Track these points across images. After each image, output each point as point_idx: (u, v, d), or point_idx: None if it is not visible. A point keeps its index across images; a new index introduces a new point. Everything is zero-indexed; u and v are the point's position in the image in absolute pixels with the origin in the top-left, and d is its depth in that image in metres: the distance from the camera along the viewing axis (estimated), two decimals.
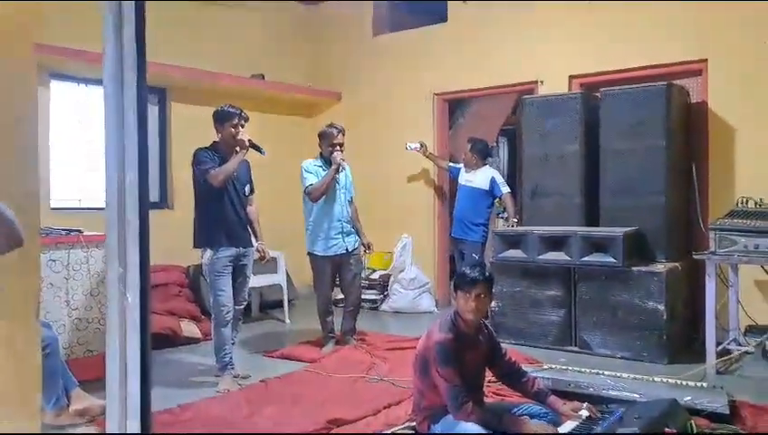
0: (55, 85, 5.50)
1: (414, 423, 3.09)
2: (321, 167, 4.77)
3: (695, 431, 2.83)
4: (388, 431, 3.10)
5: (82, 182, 5.67)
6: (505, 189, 5.75)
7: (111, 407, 1.28)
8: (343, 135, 4.77)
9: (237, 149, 4.05)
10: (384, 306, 6.60)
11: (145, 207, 1.25)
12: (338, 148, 4.70)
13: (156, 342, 4.87)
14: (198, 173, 4.00)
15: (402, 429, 3.13)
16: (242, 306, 4.29)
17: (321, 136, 4.82)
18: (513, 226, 5.54)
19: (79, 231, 4.33)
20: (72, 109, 5.68)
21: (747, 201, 4.35)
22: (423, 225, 6.76)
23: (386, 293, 6.67)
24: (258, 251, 4.36)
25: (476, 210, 5.77)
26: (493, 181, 5.73)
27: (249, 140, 4.06)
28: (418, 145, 6.43)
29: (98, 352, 4.07)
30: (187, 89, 6.23)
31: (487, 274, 2.93)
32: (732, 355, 4.31)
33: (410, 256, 6.56)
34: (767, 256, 3.98)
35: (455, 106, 7.41)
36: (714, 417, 3.11)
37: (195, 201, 4.14)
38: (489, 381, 3.39)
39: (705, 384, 3.51)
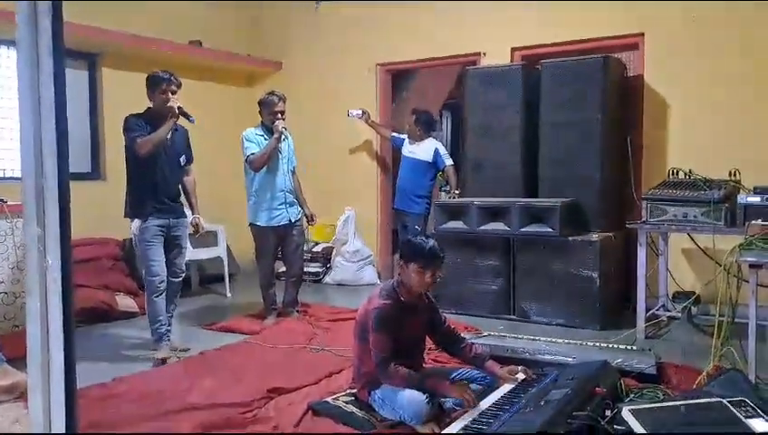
0: None
1: (354, 390, 3.10)
2: (262, 136, 4.67)
3: (623, 390, 2.96)
4: (329, 399, 3.10)
5: (6, 151, 5.36)
6: (449, 161, 5.78)
7: (33, 373, 1.22)
8: (284, 103, 4.68)
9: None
10: (327, 279, 6.58)
11: (63, 162, 1.18)
12: (279, 116, 4.61)
13: (91, 316, 4.76)
14: (128, 141, 3.87)
15: (343, 396, 3.13)
16: (179, 279, 4.18)
17: (262, 104, 4.72)
18: (455, 197, 5.59)
19: (2, 201, 4.11)
20: (10, 75, 5.31)
21: (678, 172, 4.52)
22: (366, 197, 6.73)
23: (328, 265, 6.65)
24: (193, 225, 4.25)
25: (420, 182, 5.79)
26: (436, 153, 5.76)
27: (179, 108, 3.93)
28: (360, 112, 6.37)
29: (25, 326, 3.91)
30: (120, 54, 5.96)
31: (443, 252, 2.97)
32: (659, 320, 4.51)
33: (353, 228, 6.54)
34: (695, 225, 4.17)
35: (399, 80, 7.37)
36: (642, 377, 3.26)
37: (126, 168, 4.00)
38: (429, 349, 3.43)
39: (634, 347, 3.67)
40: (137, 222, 3.90)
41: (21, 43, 1.15)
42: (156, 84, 3.94)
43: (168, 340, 4.00)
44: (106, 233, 5.47)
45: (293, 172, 4.88)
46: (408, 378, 2.81)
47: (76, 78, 5.87)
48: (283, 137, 4.62)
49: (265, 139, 4.64)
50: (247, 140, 4.65)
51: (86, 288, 4.88)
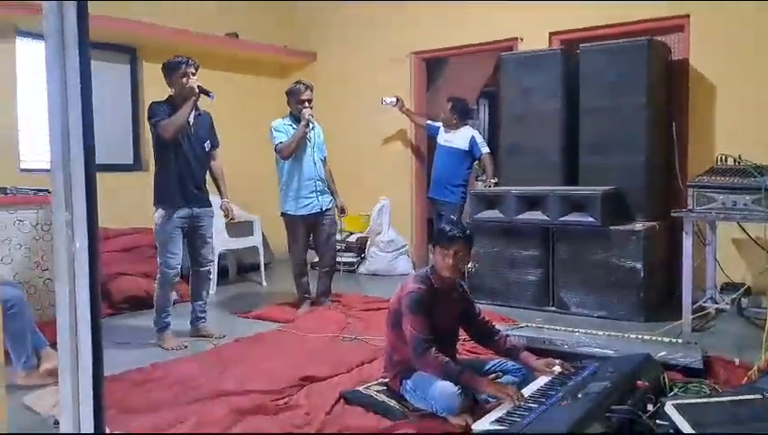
0: (23, 44, 5.26)
1: (386, 379, 3.07)
2: (290, 125, 4.67)
3: (667, 384, 2.84)
4: (361, 388, 3.07)
5: (31, 143, 5.42)
6: (485, 149, 5.67)
7: (63, 357, 1.24)
8: (311, 91, 4.68)
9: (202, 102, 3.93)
10: (361, 269, 6.57)
11: (90, 151, 1.20)
12: (306, 104, 4.60)
13: (133, 304, 4.85)
14: (152, 126, 3.88)
15: (375, 385, 3.10)
16: (206, 268, 4.21)
17: (289, 93, 4.73)
18: (491, 186, 5.48)
19: (47, 191, 4.21)
20: (42, 68, 5.46)
21: (726, 158, 4.32)
22: (400, 186, 6.69)
23: (363, 255, 6.64)
24: (223, 209, 4.26)
25: (455, 171, 5.70)
26: (473, 141, 5.65)
27: (198, 86, 3.92)
28: (394, 99, 6.31)
29: None
30: (159, 48, 6.02)
31: (467, 232, 2.90)
32: (707, 312, 4.34)
33: (387, 218, 6.51)
34: (744, 214, 3.97)
35: (433, 67, 7.27)
36: (687, 371, 3.12)
37: (154, 157, 4.03)
38: (464, 340, 3.37)
39: (679, 340, 3.52)
40: (160, 211, 3.92)
41: (48, 36, 1.16)
42: (174, 69, 3.93)
43: (169, 329, 4.03)
44: (148, 222, 5.56)
45: (324, 162, 4.85)
46: (445, 367, 2.73)
47: (117, 72, 5.99)
48: (310, 125, 4.60)
49: (293, 128, 4.64)
50: (275, 130, 4.66)
51: (128, 276, 4.99)
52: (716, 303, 4.42)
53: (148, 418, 2.76)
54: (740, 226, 4.42)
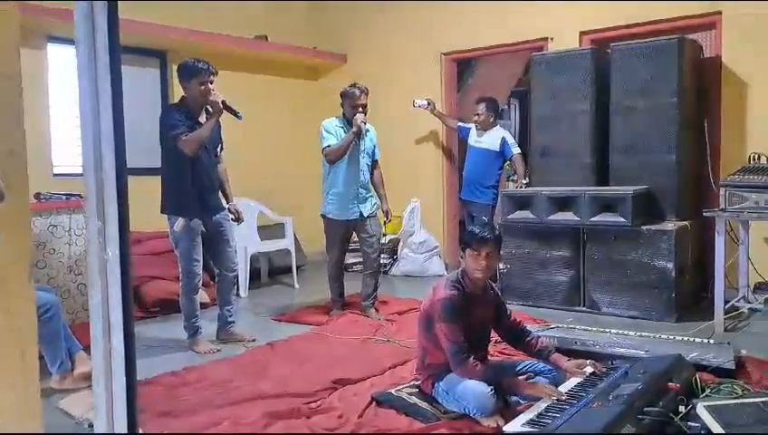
0: (55, 49, 5.39)
1: (418, 382, 3.10)
2: (342, 127, 4.62)
3: (699, 386, 2.81)
4: (393, 390, 3.11)
5: (65, 148, 5.52)
6: (516, 150, 5.66)
7: (97, 362, 1.28)
8: (366, 96, 4.60)
9: (209, 109, 3.86)
10: (394, 270, 6.60)
11: (121, 157, 1.22)
12: (360, 109, 4.54)
13: (165, 307, 4.93)
14: (170, 138, 3.80)
15: (406, 387, 3.14)
16: (234, 273, 4.22)
17: (344, 96, 4.65)
18: (523, 187, 5.47)
19: (79, 196, 4.28)
20: (74, 73, 5.62)
21: (759, 157, 4.26)
22: (432, 187, 6.71)
23: (395, 257, 6.67)
24: (232, 212, 4.24)
25: (487, 172, 5.70)
26: (504, 142, 5.64)
27: (223, 102, 3.87)
28: (426, 102, 6.33)
29: None
30: (188, 51, 6.14)
31: (496, 233, 2.93)
32: (740, 312, 4.27)
33: (419, 219, 6.53)
34: None
35: (464, 68, 7.28)
36: (720, 372, 3.09)
37: (163, 163, 3.95)
38: (495, 341, 3.38)
39: (711, 341, 3.48)
40: (180, 221, 3.85)
41: (79, 41, 1.18)
42: (192, 74, 3.84)
43: (201, 333, 4.07)
44: None
45: (375, 165, 4.81)
46: (485, 375, 2.77)
47: (148, 76, 6.11)
48: (362, 132, 4.56)
49: (345, 131, 4.58)
50: (326, 131, 4.59)
51: (160, 280, 5.06)
52: (749, 302, 4.35)
53: (183, 421, 2.82)
54: None
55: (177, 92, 6.11)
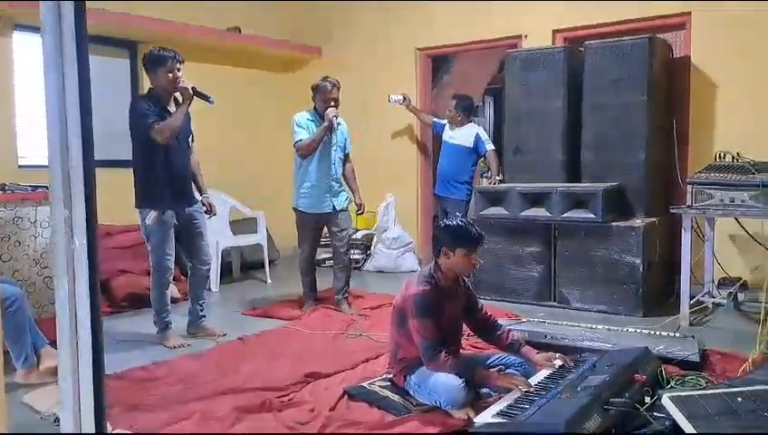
0: (20, 37, 5.25)
1: (390, 375, 3.11)
2: (313, 121, 4.60)
3: (665, 377, 2.88)
4: (365, 384, 3.12)
5: (28, 139, 5.38)
6: (490, 147, 5.71)
7: (63, 355, 1.25)
8: (338, 90, 4.59)
9: (178, 97, 3.80)
10: (367, 266, 6.61)
11: (88, 147, 1.20)
12: (332, 103, 4.52)
13: (134, 302, 4.87)
14: (142, 127, 3.74)
15: (379, 381, 3.15)
16: (207, 266, 4.18)
17: (315, 89, 4.63)
18: (496, 183, 5.52)
19: (45, 187, 4.20)
20: (40, 62, 5.49)
21: (725, 155, 4.36)
22: (406, 182, 6.72)
23: (369, 252, 6.68)
24: (205, 204, 4.19)
25: (461, 168, 5.74)
26: (477, 139, 5.68)
27: (193, 88, 3.82)
28: (401, 97, 6.33)
29: None
30: (159, 42, 6.02)
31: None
32: (704, 306, 4.39)
33: (393, 215, 6.55)
34: (742, 210, 4.01)
35: (439, 64, 7.30)
36: (684, 364, 3.17)
37: (134, 154, 3.89)
38: (467, 335, 3.41)
39: (677, 334, 3.57)
40: (153, 214, 3.79)
41: (45, 30, 1.15)
42: (159, 63, 3.78)
43: (171, 328, 4.03)
44: None
45: (347, 159, 4.81)
46: (457, 368, 2.80)
47: (118, 67, 6.00)
48: (334, 126, 4.54)
49: (316, 125, 4.56)
50: (297, 126, 4.57)
51: (129, 274, 4.99)
52: (714, 297, 4.46)
53: (152, 415, 2.79)
54: (738, 222, 4.46)
55: (148, 83, 6.05)
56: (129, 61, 6.11)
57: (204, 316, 4.22)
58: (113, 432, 2.53)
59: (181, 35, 5.91)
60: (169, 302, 4.03)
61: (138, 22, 5.55)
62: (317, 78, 4.73)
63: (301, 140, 4.52)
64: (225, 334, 4.17)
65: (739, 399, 2.39)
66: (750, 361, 3.05)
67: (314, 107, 4.67)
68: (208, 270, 4.26)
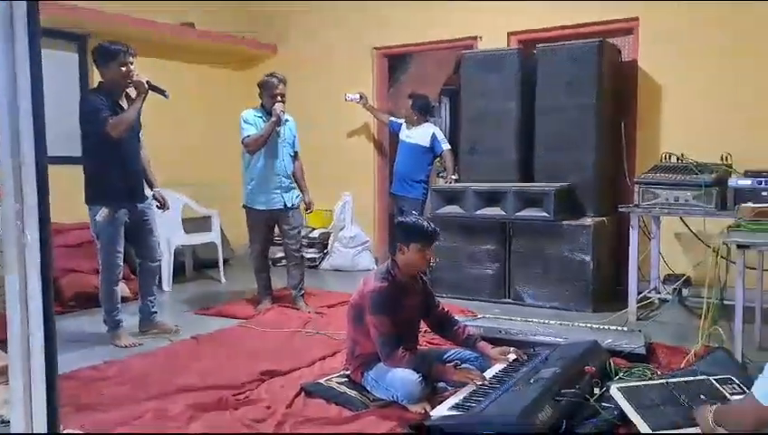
0: None
1: (348, 372, 3.13)
2: (261, 118, 4.59)
3: (613, 369, 2.99)
4: (322, 380, 3.12)
5: None
6: (446, 146, 5.77)
7: (14, 352, 1.22)
8: (285, 85, 4.59)
9: (130, 92, 3.75)
10: (324, 264, 6.60)
11: (40, 140, 1.18)
12: (279, 99, 4.53)
13: (84, 301, 4.75)
14: (95, 122, 3.67)
15: (336, 377, 3.16)
16: (157, 263, 4.15)
17: (262, 86, 4.63)
18: (452, 182, 5.59)
19: None
20: None
21: (670, 156, 4.53)
22: (363, 181, 6.74)
23: (326, 251, 6.67)
24: (157, 199, 4.15)
25: (417, 167, 5.79)
26: (433, 138, 5.74)
27: (148, 82, 3.78)
28: (358, 96, 6.35)
29: None
30: (109, 36, 5.86)
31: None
32: (651, 302, 4.56)
33: (350, 214, 6.55)
34: (686, 209, 4.19)
35: (396, 63, 7.34)
36: (631, 357, 3.29)
37: (85, 150, 3.82)
38: (424, 331, 3.45)
39: (625, 328, 3.71)
40: (104, 211, 3.74)
41: None
42: (111, 56, 3.73)
43: (123, 326, 3.98)
44: None
45: (296, 157, 4.81)
46: (413, 364, 2.84)
47: (66, 60, 5.81)
48: (281, 121, 4.54)
49: (264, 121, 4.55)
50: (245, 122, 4.56)
51: (78, 273, 4.87)
52: (659, 293, 4.63)
53: (103, 414, 2.73)
54: (682, 220, 4.65)
55: (98, 78, 5.86)
56: (77, 54, 5.93)
57: (155, 312, 4.17)
58: (64, 432, 2.46)
59: (133, 29, 5.77)
60: (120, 300, 3.97)
61: (87, 15, 5.40)
62: (277, 72, 4.72)
63: (249, 136, 4.52)
64: (178, 330, 4.12)
65: (682, 388, 2.51)
66: (692, 353, 3.20)
67: (261, 104, 4.67)
68: (158, 267, 4.21)
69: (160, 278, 4.70)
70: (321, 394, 2.98)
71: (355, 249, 6.49)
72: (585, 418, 2.50)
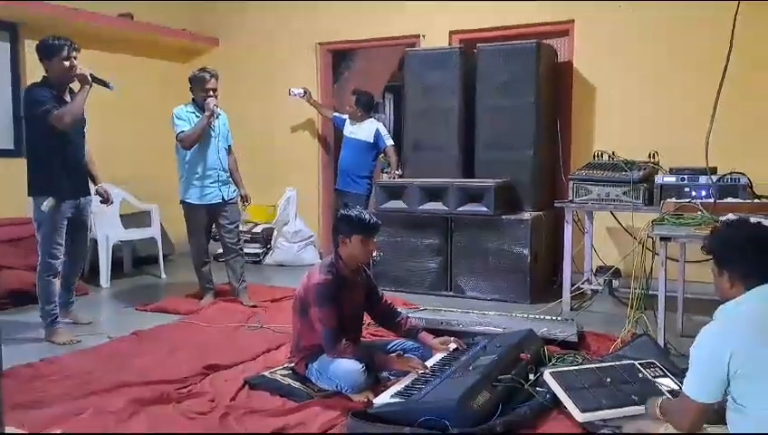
0: None
1: (292, 364, 3.16)
2: (193, 113, 4.58)
3: (547, 356, 3.14)
4: (266, 373, 3.15)
5: None
6: (389, 142, 5.85)
7: None
8: (216, 80, 4.60)
9: (73, 86, 3.75)
10: (267, 260, 6.57)
11: None
12: (211, 93, 4.53)
13: (18, 298, 4.60)
14: (41, 114, 3.65)
15: (280, 370, 3.18)
16: (83, 259, 4.20)
17: (193, 81, 4.62)
18: (396, 178, 5.66)
19: None
20: None
21: (602, 154, 4.76)
22: (307, 176, 6.74)
23: (269, 246, 6.64)
24: (101, 193, 4.15)
25: (361, 163, 5.84)
26: (377, 134, 5.81)
27: (91, 75, 3.78)
28: (302, 91, 6.35)
29: None
30: (44, 26, 5.66)
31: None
32: (583, 292, 4.77)
33: (294, 208, 6.54)
34: (616, 204, 4.42)
35: (340, 59, 7.36)
36: (565, 344, 3.47)
37: (30, 143, 3.82)
38: (368, 324, 3.51)
39: (559, 318, 3.90)
40: (50, 201, 3.70)
41: None
42: (54, 51, 3.72)
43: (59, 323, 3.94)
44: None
45: (229, 151, 4.81)
46: (357, 355, 2.90)
47: None
48: (214, 115, 4.55)
49: (197, 116, 4.55)
50: (178, 118, 4.55)
51: (11, 270, 4.71)
52: (591, 284, 4.86)
53: (40, 412, 2.67)
54: (613, 215, 4.89)
55: (31, 69, 5.66)
56: (8, 44, 5.69)
57: (73, 302, 4.18)
58: (4, 432, 2.40)
59: (68, 19, 5.58)
60: (56, 293, 3.90)
61: (20, 4, 5.19)
62: (216, 69, 4.69)
63: (183, 132, 4.51)
64: (90, 322, 4.16)
65: (609, 372, 2.67)
66: (620, 339, 3.40)
67: (192, 99, 4.66)
68: (84, 260, 4.24)
69: (98, 274, 4.61)
70: (265, 386, 3.01)
71: (299, 244, 6.49)
72: (520, 401, 2.63)
